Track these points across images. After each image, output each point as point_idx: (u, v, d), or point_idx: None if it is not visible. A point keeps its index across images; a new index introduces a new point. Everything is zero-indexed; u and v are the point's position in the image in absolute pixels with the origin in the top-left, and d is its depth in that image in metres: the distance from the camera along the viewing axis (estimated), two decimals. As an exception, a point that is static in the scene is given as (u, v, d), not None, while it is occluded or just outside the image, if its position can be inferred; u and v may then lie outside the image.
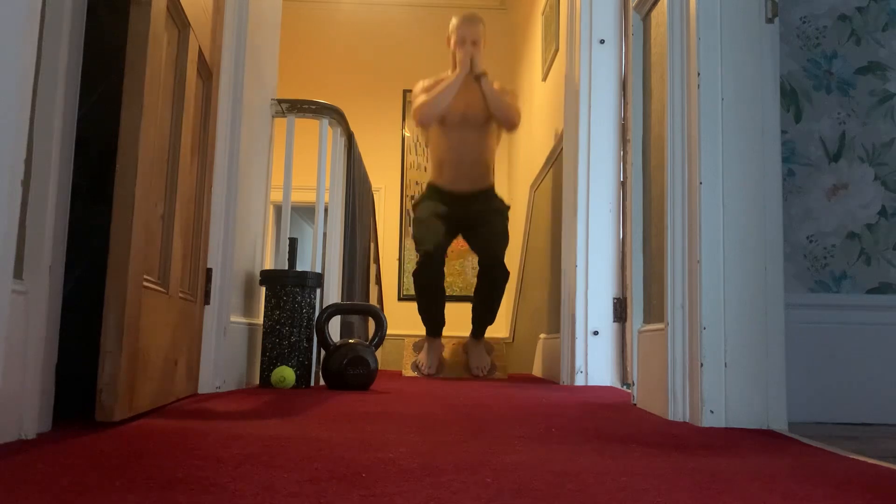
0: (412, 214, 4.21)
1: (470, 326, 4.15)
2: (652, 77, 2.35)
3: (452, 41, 4.11)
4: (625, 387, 3.38)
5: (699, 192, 1.91)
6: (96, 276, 1.59)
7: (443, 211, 4.02)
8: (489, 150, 4.18)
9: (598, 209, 3.60)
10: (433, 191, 4.16)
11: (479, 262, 4.04)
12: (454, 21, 4.12)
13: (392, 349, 6.24)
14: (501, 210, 4.10)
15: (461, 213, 4.03)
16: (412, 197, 6.39)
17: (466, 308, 4.19)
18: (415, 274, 3.97)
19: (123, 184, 1.58)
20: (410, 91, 7.22)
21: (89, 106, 1.62)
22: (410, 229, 4.31)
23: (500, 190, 4.43)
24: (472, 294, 4.12)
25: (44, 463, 1.10)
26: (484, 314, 4.02)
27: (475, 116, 4.07)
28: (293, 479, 1.02)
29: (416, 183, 7.12)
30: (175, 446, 1.29)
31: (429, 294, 3.99)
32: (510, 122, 4.09)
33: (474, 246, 4.06)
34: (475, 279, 4.14)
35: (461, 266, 6.81)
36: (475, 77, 4.03)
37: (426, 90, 4.11)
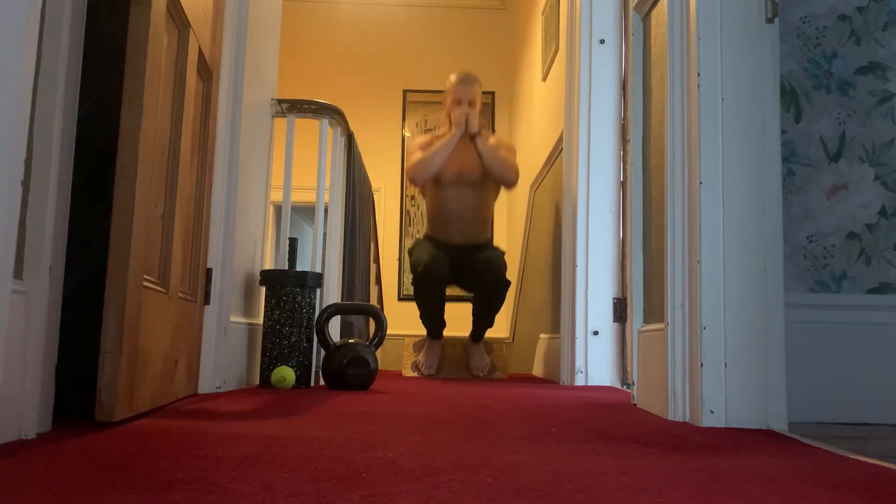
0: (409, 259, 4.17)
1: (470, 327, 4.15)
2: (652, 77, 2.35)
3: (449, 100, 4.09)
4: (625, 387, 3.38)
5: (699, 192, 1.91)
6: (96, 276, 1.59)
7: (440, 253, 3.93)
8: (486, 207, 4.18)
9: (598, 209, 3.60)
10: (429, 238, 4.15)
11: (479, 286, 3.92)
12: (451, 79, 4.11)
13: (392, 349, 6.24)
14: (499, 255, 3.96)
15: (458, 259, 3.96)
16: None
17: (466, 308, 4.19)
18: (414, 288, 3.95)
19: (123, 184, 1.58)
20: (410, 91, 7.26)
21: (89, 106, 1.62)
22: (409, 265, 4.26)
23: (499, 201, 4.45)
24: (472, 299, 4.09)
25: (44, 463, 1.10)
26: (483, 320, 4.02)
27: (471, 175, 4.06)
28: (293, 479, 1.02)
29: (412, 198, 7.12)
30: (175, 446, 1.29)
31: (430, 306, 3.99)
32: (507, 182, 4.08)
33: (472, 278, 3.92)
34: None
35: (461, 266, 6.80)
36: (470, 136, 4.01)
37: (422, 147, 4.10)
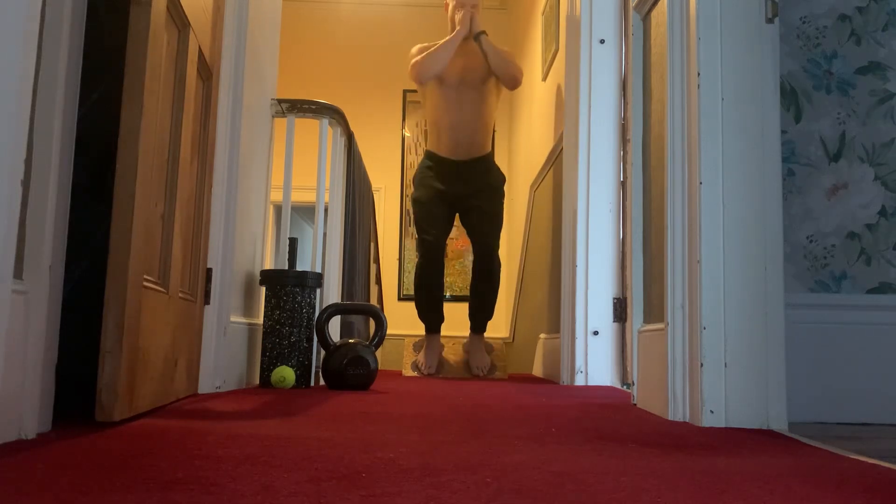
0: (412, 189, 4.21)
1: (469, 326, 4.16)
2: (652, 77, 2.35)
3: (451, 5, 4.12)
4: (625, 387, 3.38)
5: (699, 192, 1.91)
6: (96, 276, 1.59)
7: (441, 190, 4.03)
8: (488, 110, 4.16)
9: (598, 209, 3.60)
10: (431, 162, 4.14)
11: (474, 252, 4.08)
12: None
13: (392, 349, 6.24)
14: (497, 186, 4.10)
15: (459, 189, 4.03)
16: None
17: (466, 308, 4.20)
18: (418, 269, 4.04)
19: (123, 184, 1.58)
20: (410, 91, 7.25)
21: (89, 106, 1.62)
22: (410, 208, 4.31)
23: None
24: (469, 292, 4.15)
25: (44, 463, 1.10)
26: (482, 307, 4.06)
27: (474, 77, 4.06)
28: (293, 479, 1.02)
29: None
30: (175, 446, 1.29)
31: (430, 291, 4.05)
32: (513, 78, 4.09)
33: (470, 231, 4.09)
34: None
35: (461, 266, 6.82)
36: (475, 36, 4.03)
37: (423, 51, 4.12)
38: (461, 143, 4.07)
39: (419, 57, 4.09)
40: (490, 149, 4.21)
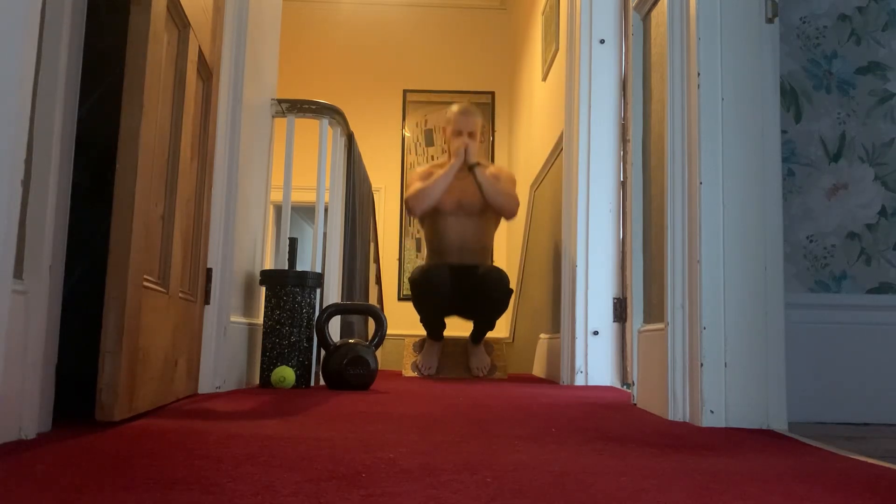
0: (410, 287, 4.14)
1: (469, 329, 4.16)
2: (652, 77, 2.35)
3: (449, 131, 4.10)
4: (625, 387, 3.38)
5: (699, 192, 1.91)
6: (96, 276, 1.59)
7: (443, 276, 3.89)
8: (486, 236, 4.18)
9: (598, 209, 3.60)
10: (431, 263, 4.10)
11: (483, 296, 3.89)
12: (452, 109, 4.13)
13: (392, 349, 6.24)
14: (504, 280, 3.89)
15: (459, 275, 3.90)
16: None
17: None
18: (415, 297, 3.97)
19: (123, 184, 1.58)
20: (410, 91, 7.26)
21: (89, 106, 1.62)
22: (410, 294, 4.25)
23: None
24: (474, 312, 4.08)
25: (44, 463, 1.10)
26: (484, 325, 4.03)
27: (470, 205, 4.07)
28: (293, 479, 1.02)
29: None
30: (175, 446, 1.29)
31: (431, 312, 4.01)
32: (507, 213, 4.09)
33: (475, 289, 3.88)
34: None
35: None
36: (469, 167, 4.02)
37: (422, 177, 4.11)
38: (459, 259, 4.05)
39: (416, 185, 4.07)
40: (491, 263, 4.22)
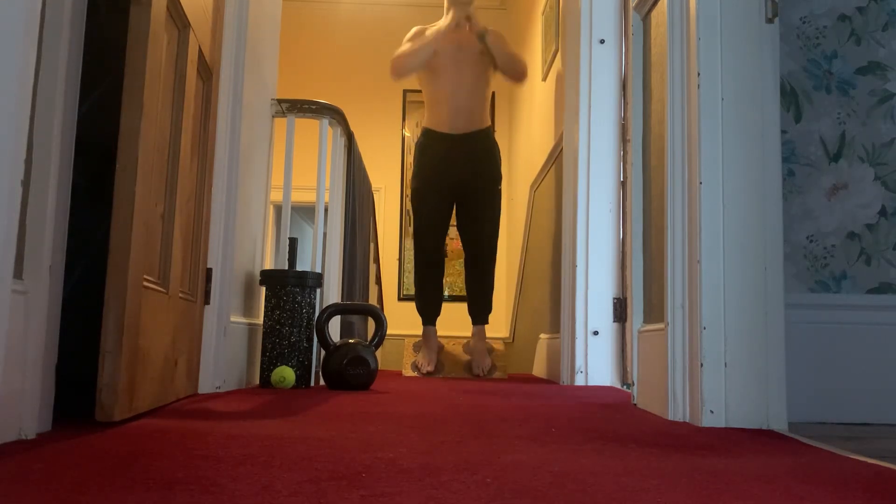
0: (412, 170, 4.17)
1: (469, 329, 4.17)
2: (652, 77, 2.35)
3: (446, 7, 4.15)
4: (625, 387, 3.38)
5: (699, 192, 1.91)
6: (96, 276, 1.59)
7: (440, 175, 4.00)
8: (485, 83, 4.15)
9: (598, 209, 3.60)
10: (429, 140, 4.10)
11: (465, 251, 4.11)
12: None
13: (392, 349, 6.24)
14: (497, 178, 4.08)
15: (459, 170, 3.99)
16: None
17: (466, 308, 4.20)
18: (417, 274, 4.09)
19: (123, 184, 1.58)
20: (410, 91, 7.25)
21: (89, 106, 1.62)
22: (410, 202, 4.31)
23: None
24: (465, 283, 4.20)
25: (44, 463, 1.10)
26: (479, 294, 4.08)
27: (468, 53, 4.05)
28: (293, 479, 1.02)
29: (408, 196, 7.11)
30: (175, 446, 1.29)
31: (430, 291, 4.09)
32: (520, 76, 4.15)
33: (464, 232, 4.09)
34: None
35: (461, 266, 6.81)
36: (479, 38, 4.02)
37: (412, 37, 4.12)
38: (460, 113, 4.03)
39: (405, 47, 4.08)
40: (490, 123, 4.19)
